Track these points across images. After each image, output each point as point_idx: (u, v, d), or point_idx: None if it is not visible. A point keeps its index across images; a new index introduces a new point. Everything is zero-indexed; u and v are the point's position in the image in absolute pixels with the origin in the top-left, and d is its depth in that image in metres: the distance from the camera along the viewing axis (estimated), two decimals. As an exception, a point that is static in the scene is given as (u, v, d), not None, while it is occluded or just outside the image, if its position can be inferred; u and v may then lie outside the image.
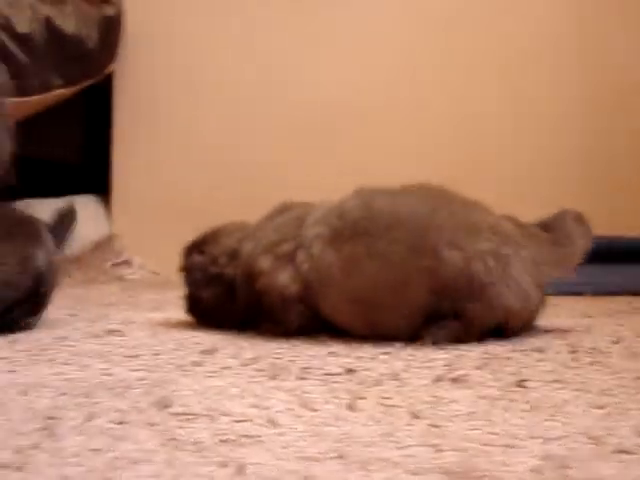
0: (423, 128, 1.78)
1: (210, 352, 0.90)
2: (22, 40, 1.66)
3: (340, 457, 0.55)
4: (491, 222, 0.98)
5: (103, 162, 1.72)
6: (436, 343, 0.93)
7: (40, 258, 1.05)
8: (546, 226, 1.03)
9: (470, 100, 1.78)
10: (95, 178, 1.70)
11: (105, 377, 0.79)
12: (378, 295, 0.95)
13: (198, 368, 0.82)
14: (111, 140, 1.74)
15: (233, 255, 1.03)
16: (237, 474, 0.51)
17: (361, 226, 0.97)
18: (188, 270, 1.08)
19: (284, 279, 0.98)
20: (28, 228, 1.07)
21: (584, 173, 1.81)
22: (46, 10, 1.73)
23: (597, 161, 1.81)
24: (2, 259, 1.02)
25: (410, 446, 0.57)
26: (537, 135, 1.80)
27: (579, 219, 1.04)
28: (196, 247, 1.08)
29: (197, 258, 1.06)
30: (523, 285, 0.96)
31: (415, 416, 0.65)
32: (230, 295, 1.03)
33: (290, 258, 0.98)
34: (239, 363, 0.84)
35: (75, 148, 1.71)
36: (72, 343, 0.97)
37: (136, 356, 0.89)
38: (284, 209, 1.04)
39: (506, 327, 0.97)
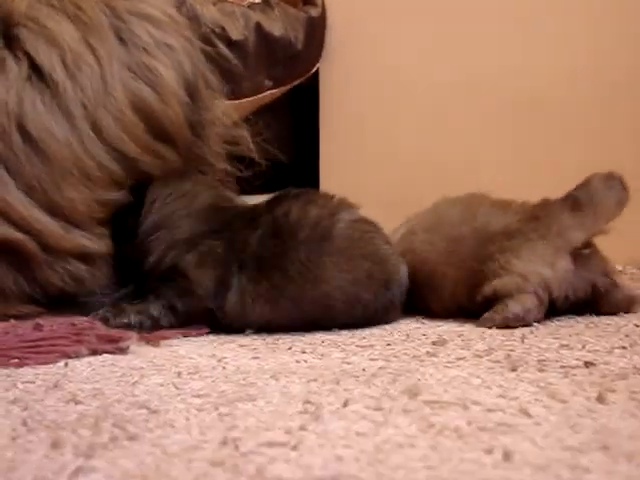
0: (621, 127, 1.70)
1: (441, 343, 0.92)
2: (236, 46, 1.75)
3: (604, 448, 0.55)
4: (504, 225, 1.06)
5: (314, 159, 1.78)
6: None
7: (369, 305, 1.04)
8: (570, 194, 1.05)
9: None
10: (307, 175, 1.76)
11: (346, 365, 0.83)
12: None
13: (434, 358, 0.84)
14: (319, 137, 1.80)
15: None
16: (504, 460, 0.53)
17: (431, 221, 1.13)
18: None
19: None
20: (381, 270, 1.05)
21: None
22: (256, 16, 1.82)
23: None
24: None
25: (675, 441, 0.56)
26: None
27: (607, 179, 1.04)
28: None
29: None
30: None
31: (672, 411, 0.64)
32: None
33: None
34: (472, 354, 0.86)
35: (286, 146, 1.78)
36: (304, 333, 1.02)
37: (370, 346, 0.92)
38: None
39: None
